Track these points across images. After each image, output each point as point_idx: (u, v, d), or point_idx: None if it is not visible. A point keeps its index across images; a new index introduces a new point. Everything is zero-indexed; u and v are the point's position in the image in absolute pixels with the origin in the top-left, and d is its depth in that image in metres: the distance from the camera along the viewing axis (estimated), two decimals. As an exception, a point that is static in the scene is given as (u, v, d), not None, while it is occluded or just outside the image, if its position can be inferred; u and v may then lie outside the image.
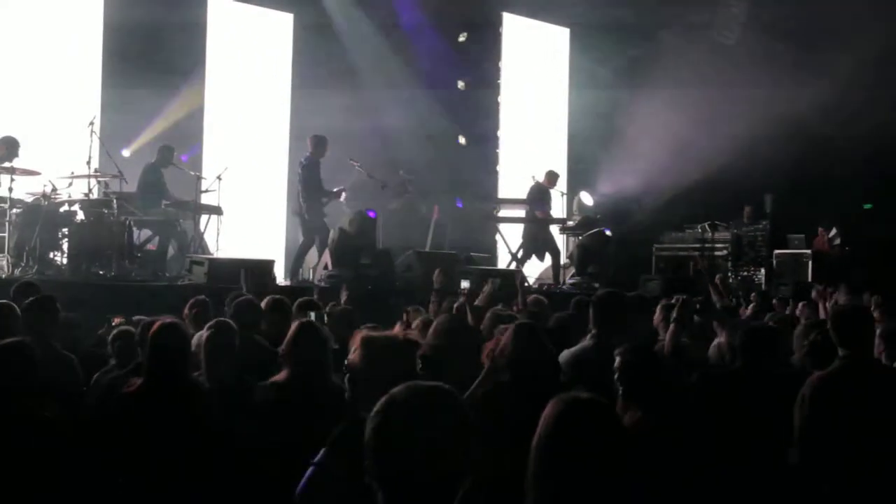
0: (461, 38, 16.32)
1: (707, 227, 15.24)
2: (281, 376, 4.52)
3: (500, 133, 17.34)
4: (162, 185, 11.77)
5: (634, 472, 2.55)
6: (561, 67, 18.43)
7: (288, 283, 11.67)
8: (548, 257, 14.20)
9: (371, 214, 12.32)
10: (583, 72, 17.88)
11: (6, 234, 9.85)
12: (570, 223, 14.88)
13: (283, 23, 15.11)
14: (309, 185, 12.08)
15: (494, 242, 14.93)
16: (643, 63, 16.52)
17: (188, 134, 13.43)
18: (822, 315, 7.23)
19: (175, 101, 13.24)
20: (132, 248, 10.77)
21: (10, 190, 9.94)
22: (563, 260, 14.49)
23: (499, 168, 17.19)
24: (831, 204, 15.73)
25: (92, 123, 10.92)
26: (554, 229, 14.47)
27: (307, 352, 4.47)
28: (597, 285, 12.47)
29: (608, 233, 14.34)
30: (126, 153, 12.41)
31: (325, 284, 10.79)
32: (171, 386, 4.46)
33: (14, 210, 9.98)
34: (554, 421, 2.48)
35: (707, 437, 4.33)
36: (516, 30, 17.77)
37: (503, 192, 16.53)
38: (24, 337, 4.63)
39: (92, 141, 10.81)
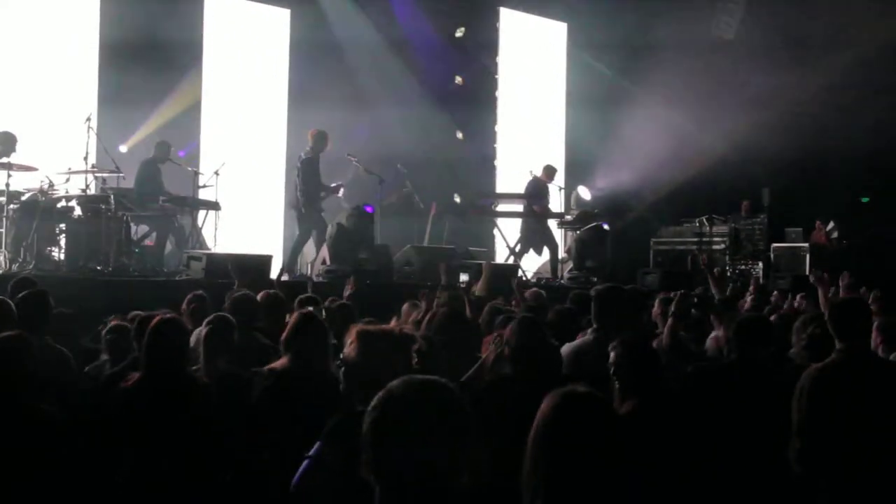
0: (458, 33, 16.32)
1: (705, 220, 15.24)
2: (280, 363, 4.53)
3: (497, 128, 17.35)
4: (159, 181, 11.75)
5: (631, 465, 2.55)
6: (558, 62, 18.43)
7: (285, 278, 11.64)
8: (546, 252, 14.20)
9: (368, 209, 12.32)
10: (580, 66, 17.89)
11: (3, 230, 9.83)
12: (568, 217, 14.87)
13: (279, 18, 15.08)
14: (307, 180, 12.07)
15: (492, 237, 14.94)
16: (641, 57, 16.52)
17: (185, 129, 13.42)
18: (821, 301, 7.26)
19: (172, 97, 13.23)
20: (129, 243, 10.75)
21: (8, 185, 9.92)
22: (560, 254, 14.49)
23: (496, 163, 17.21)
24: (829, 198, 15.76)
25: (89, 119, 10.91)
26: (552, 224, 14.48)
27: (307, 341, 4.48)
28: (595, 279, 12.49)
29: (606, 227, 14.35)
30: (123, 149, 12.40)
31: (323, 279, 10.81)
32: (169, 380, 4.48)
33: (11, 205, 9.95)
34: (551, 414, 2.48)
35: (702, 430, 4.34)
36: (514, 24, 17.76)
37: (501, 186, 16.53)
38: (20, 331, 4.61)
39: (89, 136, 10.78)
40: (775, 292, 9.49)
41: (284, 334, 4.58)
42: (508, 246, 14.13)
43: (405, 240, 12.91)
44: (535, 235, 14.08)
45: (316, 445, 3.29)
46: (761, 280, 13.79)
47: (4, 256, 9.80)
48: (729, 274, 14.38)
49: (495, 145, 17.27)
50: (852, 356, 4.48)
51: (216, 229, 11.87)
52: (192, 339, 5.17)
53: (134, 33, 12.68)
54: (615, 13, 16.74)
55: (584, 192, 16.06)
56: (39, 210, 9.91)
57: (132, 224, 10.87)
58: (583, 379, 4.12)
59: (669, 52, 15.83)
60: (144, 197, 11.40)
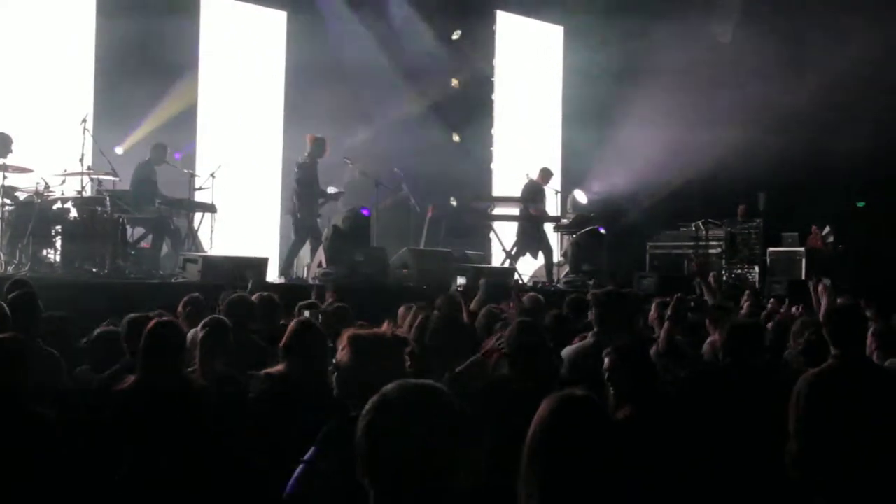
0: (455, 36, 16.32)
1: (701, 224, 15.26)
2: (277, 369, 4.54)
3: (493, 131, 17.35)
4: (155, 183, 11.74)
5: (626, 469, 2.55)
6: (555, 65, 18.45)
7: (281, 280, 11.66)
8: (541, 255, 14.21)
9: (364, 212, 12.33)
10: (577, 70, 17.90)
11: (-1, 232, 9.84)
12: (565, 221, 14.87)
13: (276, 20, 15.08)
14: (303, 185, 12.07)
15: (488, 240, 14.94)
16: (637, 61, 16.53)
17: (182, 131, 13.39)
18: (816, 304, 7.26)
19: (168, 99, 13.21)
20: (126, 245, 10.75)
21: (3, 187, 9.92)
22: (556, 258, 14.50)
23: (493, 166, 17.22)
24: (825, 202, 15.77)
25: (85, 121, 10.87)
26: (548, 227, 14.48)
27: (305, 348, 4.49)
28: (591, 283, 12.49)
29: (602, 231, 14.36)
30: (119, 151, 12.35)
31: (319, 282, 10.80)
32: (166, 383, 4.48)
33: (7, 207, 9.96)
34: (548, 418, 2.48)
35: (696, 434, 4.35)
36: (510, 27, 17.78)
37: (497, 189, 16.54)
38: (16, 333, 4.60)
39: (85, 138, 10.77)
40: (772, 299, 9.49)
41: (283, 341, 4.59)
42: (504, 249, 14.13)
43: (401, 243, 12.90)
44: (531, 239, 14.08)
45: (311, 451, 3.28)
46: (757, 285, 13.83)
47: (0, 258, 9.79)
48: (725, 278, 14.40)
49: (492, 148, 17.28)
50: (848, 362, 4.49)
51: (212, 232, 11.86)
52: (188, 340, 5.16)
53: (130, 35, 12.66)
54: (611, 17, 16.77)
55: (581, 196, 16.06)
56: (35, 212, 9.90)
57: (128, 226, 10.88)
58: (582, 382, 4.14)
59: (666, 56, 15.85)
60: (140, 199, 11.37)
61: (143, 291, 9.38)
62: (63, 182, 10.57)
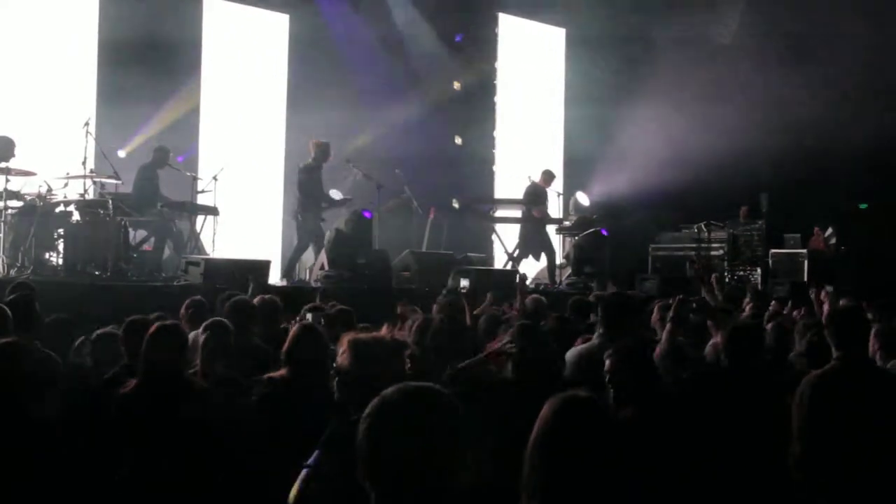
0: (457, 39, 16.33)
1: (703, 226, 15.26)
2: (280, 373, 4.53)
3: (496, 133, 17.36)
4: (157, 186, 11.75)
5: (628, 471, 2.55)
6: (557, 68, 18.46)
7: (283, 283, 11.67)
8: (544, 257, 14.22)
9: (367, 215, 12.34)
10: (579, 72, 17.92)
11: (1, 234, 9.85)
12: (567, 223, 14.90)
13: (278, 24, 15.10)
14: (305, 190, 12.10)
15: (491, 242, 14.94)
16: (639, 63, 16.55)
17: (184, 135, 13.42)
18: (818, 308, 7.26)
19: (171, 102, 13.23)
20: (128, 248, 10.78)
21: (6, 190, 9.94)
22: (559, 260, 14.50)
23: (495, 168, 17.23)
24: (827, 204, 15.76)
25: (87, 124, 10.92)
26: (550, 229, 14.49)
27: (307, 353, 4.49)
28: (593, 285, 12.50)
29: (605, 233, 14.36)
30: (122, 154, 12.39)
31: (321, 285, 10.80)
32: (168, 385, 4.48)
33: (9, 210, 9.97)
34: (550, 419, 2.48)
35: (697, 436, 4.34)
36: (512, 30, 17.79)
37: (499, 192, 16.56)
38: (16, 337, 4.59)
39: (87, 142, 10.80)
40: (773, 301, 9.47)
41: (285, 346, 4.59)
42: (507, 251, 14.14)
43: (403, 245, 12.90)
44: (533, 241, 14.09)
45: (314, 454, 3.29)
46: (759, 286, 13.80)
47: (2, 261, 9.82)
48: (727, 280, 14.39)
49: (494, 150, 17.29)
50: (850, 364, 4.49)
51: (214, 234, 11.86)
52: (189, 342, 5.16)
53: (133, 38, 12.69)
54: (613, 19, 16.78)
55: (583, 198, 16.08)
56: (38, 215, 9.93)
57: (130, 229, 10.88)
58: (588, 383, 4.15)
59: (667, 58, 15.86)
60: (143, 202, 11.39)
61: (146, 294, 9.43)
62: (66, 185, 10.56)
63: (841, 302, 7.55)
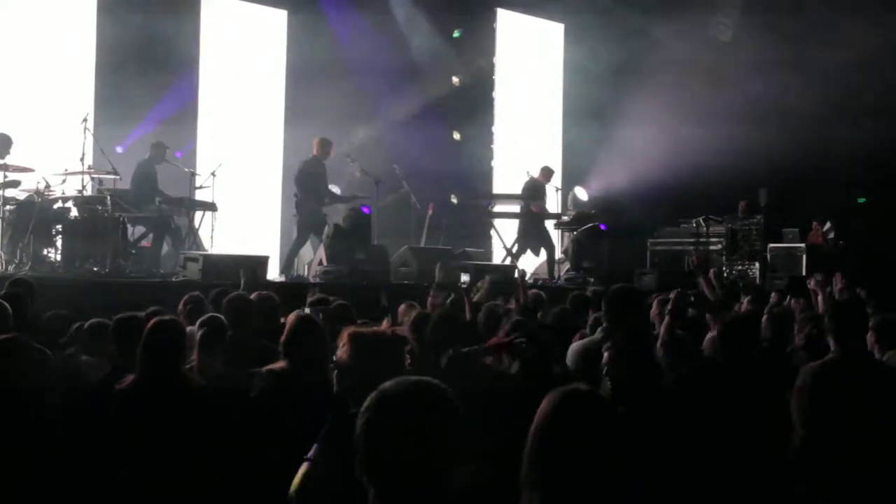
0: (456, 34, 16.34)
1: (702, 221, 15.28)
2: (279, 365, 4.53)
3: (494, 128, 17.37)
4: (155, 182, 11.75)
5: (630, 465, 2.54)
6: (555, 62, 18.47)
7: (282, 279, 11.69)
8: (543, 252, 14.24)
9: (365, 210, 12.37)
10: (577, 67, 17.92)
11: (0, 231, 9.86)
12: (565, 218, 14.92)
13: (277, 19, 15.11)
14: (304, 185, 12.11)
15: (489, 238, 14.96)
16: (637, 58, 16.56)
17: (182, 130, 13.43)
18: (818, 304, 7.26)
19: (169, 98, 13.21)
20: (126, 244, 10.79)
21: (3, 187, 9.95)
22: (557, 255, 14.52)
23: (493, 163, 17.25)
24: (825, 198, 15.80)
25: (85, 120, 10.89)
26: (549, 224, 14.51)
27: (305, 344, 4.49)
28: (592, 280, 12.52)
29: (603, 228, 14.38)
30: (120, 150, 12.38)
31: (320, 280, 10.83)
32: (167, 381, 4.47)
33: (7, 206, 10.00)
34: (550, 413, 2.46)
35: (695, 430, 4.34)
36: (511, 25, 17.81)
37: (498, 187, 16.55)
38: (17, 334, 4.60)
39: (85, 138, 10.79)
40: (773, 293, 9.49)
41: (283, 337, 4.59)
42: (505, 247, 14.16)
43: (402, 241, 12.93)
44: (531, 236, 14.11)
45: (314, 448, 3.30)
46: (758, 280, 13.83)
47: (1, 258, 9.84)
48: (726, 275, 14.41)
49: (492, 146, 17.31)
50: (850, 356, 4.52)
51: (213, 230, 11.87)
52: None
53: (131, 35, 12.70)
54: (612, 14, 16.81)
55: (581, 193, 16.12)
56: (36, 211, 9.95)
57: (129, 225, 10.90)
58: (591, 377, 4.17)
59: (667, 53, 15.88)
60: (141, 198, 11.40)
61: (144, 290, 9.39)
62: (64, 181, 10.60)
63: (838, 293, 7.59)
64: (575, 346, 5.51)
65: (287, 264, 12.22)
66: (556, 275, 13.98)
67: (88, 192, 10.76)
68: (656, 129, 15.81)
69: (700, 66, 15.83)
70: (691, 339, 6.13)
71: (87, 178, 10.76)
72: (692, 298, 6.63)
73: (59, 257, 10.22)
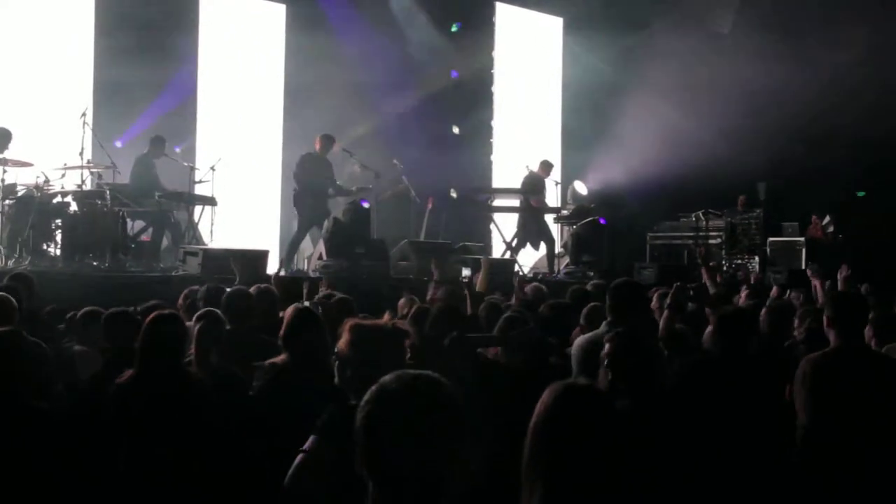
0: (454, 28, 16.36)
1: (701, 215, 15.32)
2: (280, 358, 4.52)
3: (493, 123, 17.40)
4: (154, 176, 11.78)
5: (630, 458, 2.55)
6: (554, 57, 18.50)
7: (281, 272, 11.68)
8: (542, 246, 14.27)
9: (364, 204, 12.40)
10: (576, 61, 17.93)
11: (-1, 226, 9.90)
12: (565, 212, 14.97)
13: (275, 14, 15.12)
14: (303, 176, 12.16)
15: (489, 232, 14.99)
16: (636, 52, 16.59)
17: (181, 125, 13.45)
18: (818, 294, 7.28)
19: (168, 92, 13.22)
20: (126, 239, 10.81)
21: (3, 181, 9.98)
22: (557, 249, 14.56)
23: (493, 157, 17.28)
24: (825, 192, 15.83)
25: (84, 115, 10.93)
26: (548, 218, 14.54)
27: (304, 337, 4.48)
28: (591, 273, 12.54)
29: (602, 222, 14.41)
30: (119, 144, 12.41)
31: (319, 274, 10.85)
32: (167, 375, 4.45)
33: (7, 201, 10.02)
34: (550, 406, 2.47)
35: (689, 424, 4.32)
36: (510, 19, 17.83)
37: (497, 181, 16.60)
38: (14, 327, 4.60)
39: (84, 132, 10.83)
40: (774, 288, 9.50)
41: (282, 330, 4.59)
42: (505, 241, 14.19)
43: (401, 235, 12.94)
44: (531, 230, 14.15)
45: (310, 439, 3.30)
46: (758, 273, 13.85)
47: (0, 252, 9.86)
48: (725, 268, 14.46)
49: (491, 140, 17.34)
50: (850, 346, 4.54)
51: (212, 224, 11.90)
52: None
53: (129, 28, 12.71)
54: (610, 8, 16.82)
55: (581, 187, 16.16)
56: (35, 206, 9.98)
57: (128, 219, 10.92)
58: (596, 371, 4.16)
59: (665, 47, 15.89)
60: (140, 193, 11.41)
61: (144, 284, 9.43)
62: (63, 176, 10.60)
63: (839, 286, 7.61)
64: (580, 339, 5.43)
65: (287, 258, 12.24)
66: (555, 269, 14.02)
67: (88, 186, 10.78)
68: (655, 122, 15.82)
69: (698, 59, 15.85)
70: (692, 333, 6.16)
71: (86, 172, 10.80)
72: (691, 292, 6.65)
73: (58, 252, 10.24)
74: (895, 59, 15.29)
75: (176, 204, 11.76)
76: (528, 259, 14.55)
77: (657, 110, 15.83)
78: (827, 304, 4.82)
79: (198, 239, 11.69)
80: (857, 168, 16.10)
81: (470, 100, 16.75)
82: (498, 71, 17.52)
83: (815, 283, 7.70)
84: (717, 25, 17.21)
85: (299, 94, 14.49)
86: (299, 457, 3.28)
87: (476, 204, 14.70)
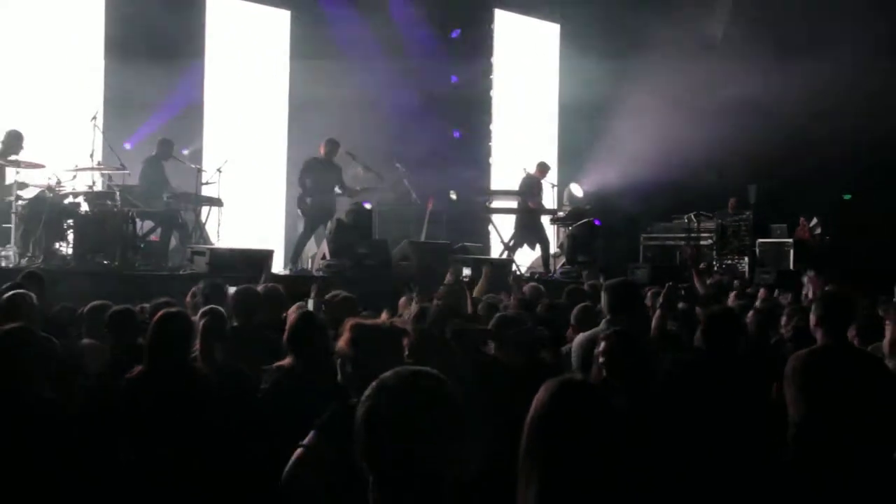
0: (454, 34, 16.50)
1: (693, 217, 15.49)
2: (286, 361, 4.54)
3: (492, 127, 17.53)
4: (162, 178, 11.92)
5: (626, 455, 2.54)
6: (551, 62, 18.59)
7: (287, 272, 11.90)
8: (538, 247, 14.44)
9: (367, 205, 12.59)
10: (573, 66, 18.02)
11: (12, 226, 9.97)
12: (561, 214, 15.05)
13: (280, 19, 15.26)
14: (307, 178, 12.32)
15: (487, 233, 15.12)
16: (632, 58, 16.69)
17: (188, 127, 13.57)
18: (811, 295, 7.41)
19: (175, 96, 13.39)
20: (135, 239, 10.86)
21: (16, 182, 10.07)
22: (553, 249, 14.71)
23: (491, 160, 17.38)
24: (812, 195, 15.94)
25: (95, 118, 11.05)
26: (545, 220, 14.67)
27: (308, 341, 4.50)
28: (587, 273, 12.72)
29: (597, 223, 14.59)
30: (128, 146, 12.49)
31: (323, 274, 11.04)
32: (175, 372, 4.49)
33: (20, 202, 10.06)
34: (546, 402, 2.45)
35: (678, 421, 4.38)
36: (508, 25, 17.92)
37: (496, 183, 16.68)
38: (26, 323, 4.61)
39: (95, 135, 10.95)
40: (761, 289, 9.64)
41: (286, 334, 4.63)
42: (503, 241, 14.32)
43: (402, 235, 13.05)
44: (528, 231, 14.27)
45: (310, 435, 3.33)
46: (746, 275, 14.06)
47: (14, 251, 9.95)
48: (716, 268, 14.65)
49: (490, 143, 17.45)
50: (836, 344, 4.65)
51: (219, 225, 12.02)
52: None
53: (138, 34, 12.85)
54: (607, 15, 16.93)
55: (577, 189, 16.28)
56: (47, 206, 10.05)
57: (137, 220, 10.95)
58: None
59: (660, 53, 16.00)
60: (149, 194, 11.53)
61: (153, 283, 9.54)
62: (74, 177, 10.64)
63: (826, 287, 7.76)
64: (580, 337, 5.52)
65: (294, 257, 12.42)
66: (551, 268, 14.19)
67: (98, 187, 10.90)
68: (649, 126, 15.95)
69: (692, 65, 15.98)
70: (684, 332, 6.22)
71: (96, 174, 10.94)
72: (682, 292, 6.81)
73: (70, 251, 10.31)
74: (881, 65, 15.42)
75: (184, 205, 11.84)
76: (525, 259, 14.70)
77: (651, 115, 15.93)
78: (815, 304, 4.84)
79: (205, 239, 11.79)
80: (844, 172, 16.18)
81: (469, 104, 16.81)
82: (496, 76, 17.59)
83: (812, 286, 7.78)
84: (710, 32, 17.41)
85: (304, 98, 14.60)
86: (298, 451, 3.30)
87: (475, 205, 14.84)
